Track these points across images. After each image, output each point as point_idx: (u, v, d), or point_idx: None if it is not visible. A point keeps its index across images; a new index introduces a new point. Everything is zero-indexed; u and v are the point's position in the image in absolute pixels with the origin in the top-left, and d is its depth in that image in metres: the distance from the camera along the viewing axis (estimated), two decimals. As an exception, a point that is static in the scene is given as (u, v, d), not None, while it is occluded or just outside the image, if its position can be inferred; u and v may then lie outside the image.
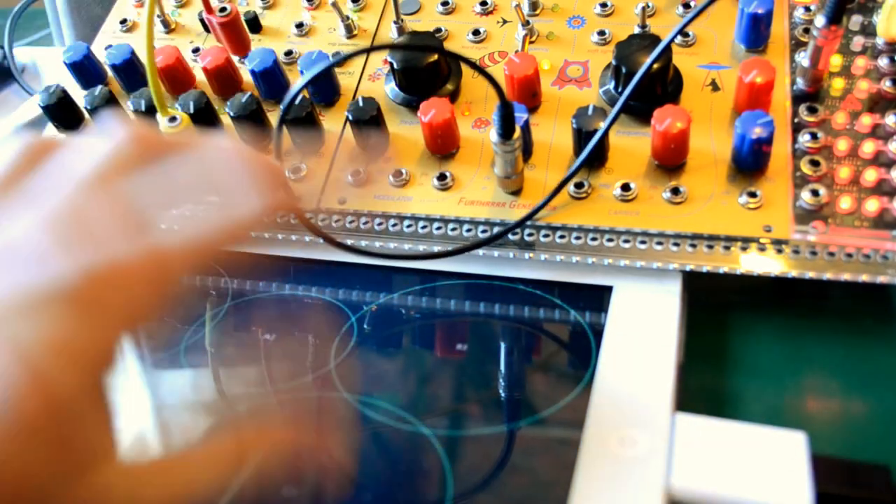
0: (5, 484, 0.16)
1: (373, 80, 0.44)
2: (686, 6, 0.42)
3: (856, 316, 0.34)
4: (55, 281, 0.18)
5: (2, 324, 0.17)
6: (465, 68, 0.42)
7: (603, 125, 0.35)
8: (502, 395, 0.33)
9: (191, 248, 0.20)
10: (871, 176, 0.34)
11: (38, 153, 0.21)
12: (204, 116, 0.41)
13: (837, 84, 0.37)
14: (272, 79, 0.42)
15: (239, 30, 0.44)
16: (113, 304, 0.18)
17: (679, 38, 0.40)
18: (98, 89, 0.44)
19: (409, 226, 0.38)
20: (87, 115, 0.45)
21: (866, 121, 0.35)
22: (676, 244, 0.35)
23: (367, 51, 0.38)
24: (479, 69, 0.27)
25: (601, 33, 0.42)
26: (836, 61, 0.37)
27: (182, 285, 0.20)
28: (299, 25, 0.47)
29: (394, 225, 0.38)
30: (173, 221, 0.20)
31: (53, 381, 0.17)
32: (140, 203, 0.20)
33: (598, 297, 0.36)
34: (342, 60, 0.28)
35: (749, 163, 0.35)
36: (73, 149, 0.22)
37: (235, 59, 0.45)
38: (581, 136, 0.36)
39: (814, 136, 0.35)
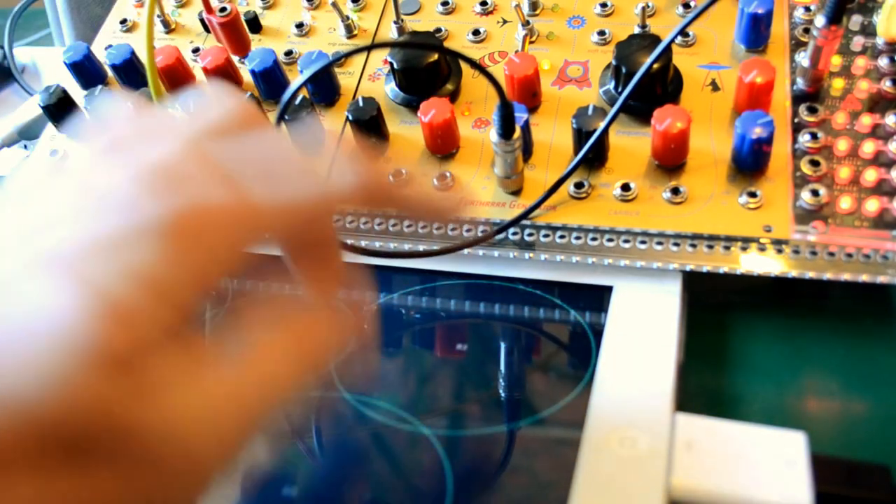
0: (77, 412, 0.15)
1: (373, 80, 0.44)
2: (686, 6, 0.42)
3: (856, 316, 0.34)
4: (141, 222, 0.18)
5: (81, 265, 0.17)
6: (465, 68, 0.42)
7: (602, 124, 0.35)
8: (502, 395, 0.33)
9: (281, 204, 0.20)
10: (871, 176, 0.34)
11: (144, 112, 0.21)
12: (204, 116, 0.41)
13: (837, 84, 0.37)
14: (272, 79, 0.42)
15: (239, 30, 0.44)
16: (202, 244, 0.18)
17: (679, 38, 0.40)
18: (98, 89, 0.44)
19: (409, 226, 0.38)
20: (87, 115, 0.45)
21: (866, 121, 0.35)
22: (676, 244, 0.35)
23: (368, 48, 0.38)
24: (480, 68, 0.27)
25: (601, 33, 0.42)
26: (836, 61, 0.37)
27: (266, 240, 0.20)
28: (299, 25, 0.47)
29: (394, 225, 0.38)
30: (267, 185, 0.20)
31: (131, 309, 0.16)
32: (234, 165, 0.20)
33: (598, 297, 0.36)
34: (341, 58, 0.28)
35: (749, 163, 0.35)
36: (175, 112, 0.22)
37: (235, 59, 0.45)
38: (581, 136, 0.36)
39: (814, 136, 0.35)
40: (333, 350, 0.21)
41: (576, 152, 0.37)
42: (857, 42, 0.38)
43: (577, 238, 0.36)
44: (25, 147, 0.52)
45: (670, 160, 0.36)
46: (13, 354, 0.15)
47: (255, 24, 0.47)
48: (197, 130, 0.20)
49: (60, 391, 0.15)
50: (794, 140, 0.36)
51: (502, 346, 0.36)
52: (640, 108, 0.37)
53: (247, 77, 0.44)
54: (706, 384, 0.32)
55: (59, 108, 0.44)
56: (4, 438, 0.15)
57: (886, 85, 0.36)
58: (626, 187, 0.36)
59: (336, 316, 0.22)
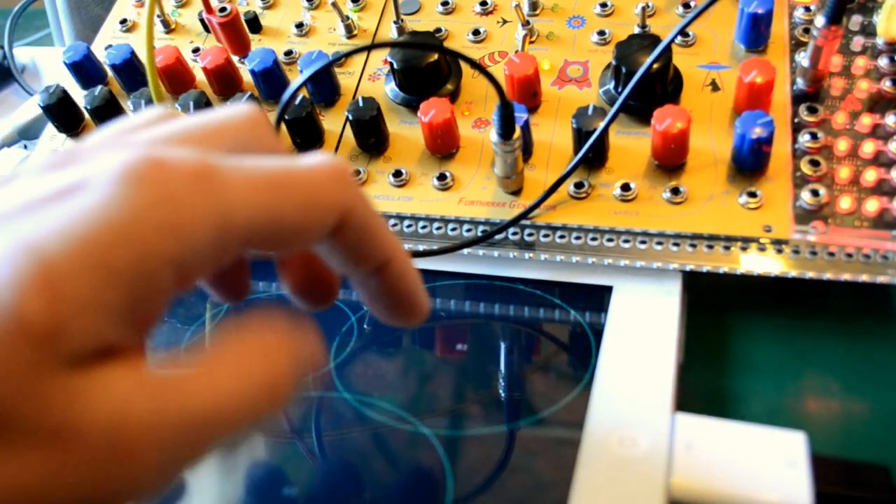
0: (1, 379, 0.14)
1: (373, 80, 0.44)
2: (686, 6, 0.42)
3: (856, 316, 0.34)
4: (89, 174, 0.16)
5: (17, 222, 0.15)
6: (465, 68, 0.42)
7: (602, 124, 0.35)
8: (502, 395, 0.33)
9: (248, 175, 0.17)
10: (871, 176, 0.34)
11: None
12: (204, 116, 0.41)
13: (837, 84, 0.37)
14: (272, 79, 0.42)
15: (239, 30, 0.44)
16: (152, 199, 0.16)
17: (679, 38, 0.40)
18: (98, 89, 0.44)
19: (409, 226, 0.38)
20: (87, 115, 0.45)
21: (866, 121, 0.35)
22: (676, 244, 0.35)
23: (368, 48, 0.38)
24: (480, 67, 0.27)
25: (601, 33, 0.42)
26: (836, 61, 0.37)
27: (238, 216, 0.17)
28: (299, 25, 0.47)
29: (394, 225, 0.38)
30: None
31: (60, 270, 0.14)
32: (207, 144, 0.18)
33: (598, 297, 0.36)
34: (341, 58, 0.28)
35: (749, 163, 0.35)
36: None
37: (235, 59, 0.45)
38: (581, 136, 0.36)
39: (814, 136, 0.35)
40: (297, 377, 0.19)
41: (576, 152, 0.37)
42: (857, 42, 0.38)
43: (577, 238, 0.36)
44: (25, 147, 0.52)
45: (670, 160, 0.36)
46: None
47: (255, 24, 0.47)
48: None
49: None
50: (794, 140, 0.36)
51: (502, 346, 0.36)
52: (640, 108, 0.38)
53: (247, 77, 0.44)
54: (706, 384, 0.32)
55: (59, 108, 0.44)
56: None
57: (886, 85, 0.36)
58: (626, 187, 0.36)
59: (308, 338, 0.20)
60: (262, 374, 0.18)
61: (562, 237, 0.36)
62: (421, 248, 0.37)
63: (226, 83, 0.44)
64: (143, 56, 0.44)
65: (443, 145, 0.39)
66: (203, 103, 0.41)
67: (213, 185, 0.17)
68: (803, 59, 0.36)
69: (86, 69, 0.46)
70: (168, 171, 0.16)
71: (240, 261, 0.23)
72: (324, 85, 0.43)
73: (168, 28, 0.49)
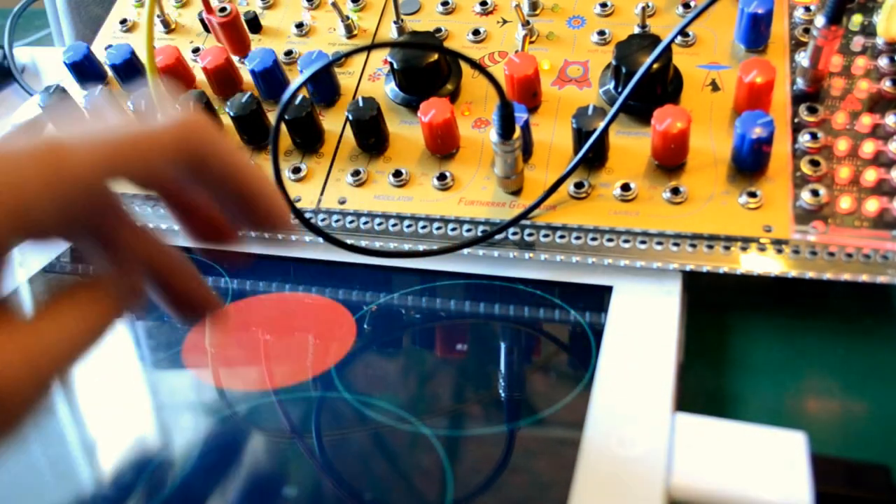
0: None
1: (373, 80, 0.44)
2: (686, 6, 0.42)
3: (856, 316, 0.34)
4: None
5: None
6: (465, 68, 0.42)
7: (602, 124, 0.35)
8: (502, 395, 0.33)
9: (91, 143, 0.20)
10: (871, 176, 0.34)
11: None
12: (204, 116, 0.41)
13: (837, 84, 0.37)
14: (272, 79, 0.42)
15: (239, 30, 0.44)
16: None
17: (679, 38, 0.40)
18: (98, 89, 0.44)
19: (409, 226, 0.38)
20: (86, 115, 0.45)
21: (866, 121, 0.35)
22: (676, 244, 0.35)
23: (368, 48, 0.38)
24: (480, 67, 0.27)
25: (601, 33, 0.42)
26: (836, 61, 0.37)
27: (83, 186, 0.19)
28: (299, 25, 0.47)
29: (394, 225, 0.38)
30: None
31: None
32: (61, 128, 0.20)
33: (598, 297, 0.36)
34: (341, 58, 0.28)
35: (749, 163, 0.35)
36: None
37: (235, 59, 0.45)
38: (581, 136, 0.36)
39: (814, 136, 0.35)
40: (112, 316, 0.22)
41: (576, 152, 0.37)
42: (857, 42, 0.38)
43: (577, 238, 0.36)
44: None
45: (670, 160, 0.36)
46: None
47: (255, 24, 0.47)
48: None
49: None
50: (794, 140, 0.36)
51: (502, 346, 0.36)
52: (640, 108, 0.38)
53: (247, 77, 0.44)
54: (706, 384, 0.32)
55: (59, 109, 0.44)
56: None
57: (886, 85, 0.36)
58: (626, 187, 0.36)
59: (115, 283, 0.22)
60: (80, 321, 0.21)
61: (562, 237, 0.36)
62: (421, 248, 0.37)
63: (226, 83, 0.44)
64: (143, 56, 0.44)
65: (443, 145, 0.39)
66: (203, 104, 0.41)
67: (55, 159, 0.19)
68: (803, 59, 0.36)
69: (86, 69, 0.46)
70: (14, 160, 0.18)
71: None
72: (324, 85, 0.43)
73: (168, 28, 0.49)
